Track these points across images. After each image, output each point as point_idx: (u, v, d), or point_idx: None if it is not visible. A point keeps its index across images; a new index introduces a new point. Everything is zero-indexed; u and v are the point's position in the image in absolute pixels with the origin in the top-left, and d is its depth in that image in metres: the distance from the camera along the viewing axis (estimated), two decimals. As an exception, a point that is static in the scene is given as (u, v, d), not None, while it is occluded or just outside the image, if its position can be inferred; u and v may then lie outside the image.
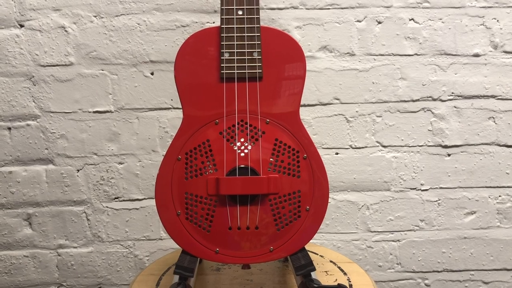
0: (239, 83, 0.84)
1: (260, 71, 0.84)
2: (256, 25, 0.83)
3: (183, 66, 0.85)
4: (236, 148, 0.85)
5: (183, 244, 0.86)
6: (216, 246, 0.86)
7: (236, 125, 0.86)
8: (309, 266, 0.84)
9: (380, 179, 1.32)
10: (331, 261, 1.06)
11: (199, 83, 0.85)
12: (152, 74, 1.27)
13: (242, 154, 0.85)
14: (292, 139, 0.86)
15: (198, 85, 0.85)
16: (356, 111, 1.30)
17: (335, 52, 1.28)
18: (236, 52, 0.85)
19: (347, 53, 1.28)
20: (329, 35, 1.27)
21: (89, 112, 1.28)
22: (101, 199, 1.31)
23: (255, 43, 0.83)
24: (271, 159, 0.85)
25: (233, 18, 0.84)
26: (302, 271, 0.84)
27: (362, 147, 1.32)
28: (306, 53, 1.27)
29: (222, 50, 0.84)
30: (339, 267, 1.02)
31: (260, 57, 0.84)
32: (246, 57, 0.84)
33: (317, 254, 1.11)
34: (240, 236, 0.85)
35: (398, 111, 1.30)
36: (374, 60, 1.28)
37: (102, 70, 1.27)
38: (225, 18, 0.84)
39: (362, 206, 1.34)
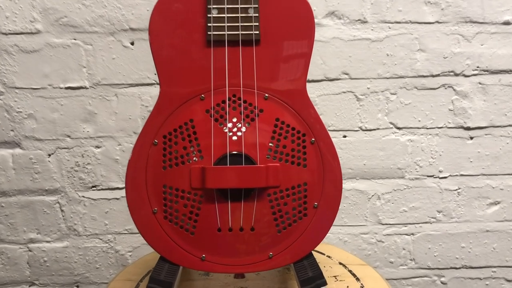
0: (231, 48, 0.66)
1: (257, 32, 0.65)
2: (251, -26, 0.64)
3: (160, 27, 0.67)
4: (226, 130, 0.67)
5: (161, 249, 0.69)
6: (202, 251, 0.68)
7: (227, 102, 0.68)
8: (319, 279, 0.66)
9: (393, 165, 1.18)
10: (340, 263, 0.89)
11: (180, 48, 0.67)
12: (132, 44, 1.11)
13: (235, 138, 0.68)
14: (297, 119, 0.68)
15: (178, 51, 0.67)
16: (368, 88, 1.14)
17: (344, 18, 1.11)
18: (227, 8, 0.66)
19: (358, 20, 1.11)
20: (337, 0, 1.10)
21: (61, 88, 1.12)
22: (76, 188, 1.16)
23: (250, -3, 0.65)
24: (270, 144, 0.67)
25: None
26: (310, 285, 0.66)
27: (374, 129, 1.17)
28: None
29: (209, 6, 0.66)
30: (350, 271, 0.85)
31: (257, 14, 0.65)
32: (240, 15, 0.66)
33: (324, 254, 0.93)
34: (232, 239, 0.68)
35: (415, 87, 1.15)
36: (389, 28, 1.12)
37: (75, 39, 1.11)
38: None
39: (373, 195, 1.20)
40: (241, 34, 0.67)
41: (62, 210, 1.18)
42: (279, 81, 0.68)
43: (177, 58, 0.67)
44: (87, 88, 1.13)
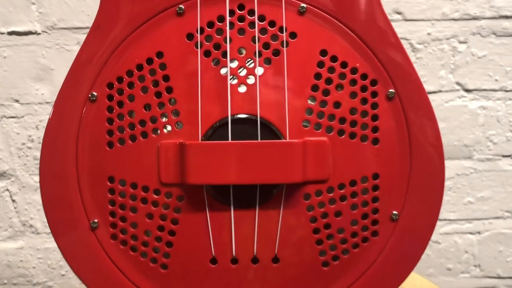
0: None
1: None
2: None
3: None
4: (227, 73, 0.34)
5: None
6: (183, 301, 0.36)
7: (227, 18, 0.34)
8: None
9: (458, 141, 0.92)
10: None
11: None
12: None
13: (242, 89, 0.35)
14: (363, 54, 0.34)
15: None
16: (428, 34, 0.87)
17: None
18: None
19: None
20: None
21: (2, 33, 0.85)
22: (30, 171, 0.91)
23: None
24: (310, 102, 0.35)
25: None
26: None
27: (434, 92, 0.89)
28: None
29: None
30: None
31: None
32: None
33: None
34: (238, 278, 0.36)
35: (494, 33, 0.88)
36: None
37: (17, -38, 0.81)
38: None
39: None
40: None
41: (13, 200, 0.94)
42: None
43: None
44: (39, 34, 0.86)
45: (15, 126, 0.89)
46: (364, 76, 0.36)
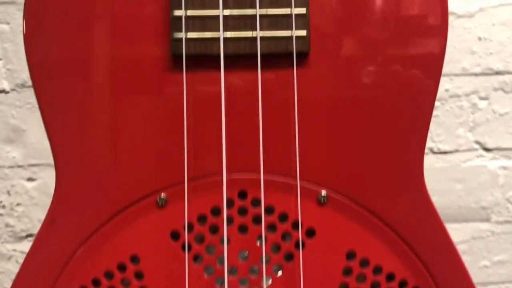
0: (234, 73, 0.24)
1: (305, 35, 0.22)
2: None
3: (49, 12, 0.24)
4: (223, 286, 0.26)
5: None
6: None
7: (225, 210, 0.26)
8: None
9: (475, 203, 0.86)
10: None
11: (102, 70, 0.24)
12: None
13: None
14: (402, 254, 0.26)
15: (98, 80, 0.24)
16: (446, 90, 0.81)
17: None
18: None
19: None
20: None
21: None
22: (3, 238, 0.83)
23: None
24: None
25: None
26: None
27: (451, 152, 0.84)
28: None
29: None
30: None
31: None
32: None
33: None
34: None
35: None
36: None
37: (-20, 14, 0.75)
38: None
39: None
40: (262, 40, 0.23)
41: (-15, 269, 0.84)
42: (357, 158, 0.26)
43: (96, 99, 0.25)
44: (7, 92, 0.78)
45: (-16, 191, 0.82)
46: (403, 284, 0.28)
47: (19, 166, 0.81)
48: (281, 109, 0.26)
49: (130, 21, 0.25)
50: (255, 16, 0.24)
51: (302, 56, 0.25)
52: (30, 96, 0.78)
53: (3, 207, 0.83)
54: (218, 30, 0.24)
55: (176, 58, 0.25)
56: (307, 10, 0.24)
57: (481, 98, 0.82)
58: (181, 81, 0.25)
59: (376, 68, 0.27)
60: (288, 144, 0.26)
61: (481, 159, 0.85)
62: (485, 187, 0.86)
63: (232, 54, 0.25)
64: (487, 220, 0.87)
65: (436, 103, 0.81)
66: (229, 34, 0.25)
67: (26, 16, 0.27)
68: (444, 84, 0.80)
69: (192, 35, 0.25)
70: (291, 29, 0.25)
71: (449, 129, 0.83)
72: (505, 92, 0.82)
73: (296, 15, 0.25)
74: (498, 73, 0.81)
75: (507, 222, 0.87)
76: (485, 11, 0.78)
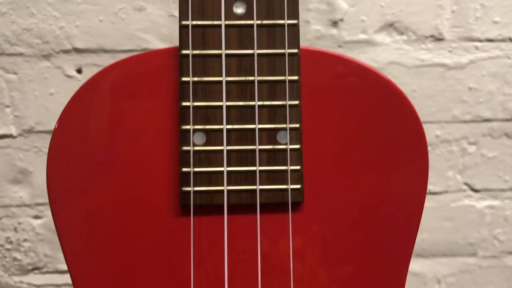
0: (236, 217, 0.27)
1: (300, 187, 0.25)
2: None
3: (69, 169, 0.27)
4: None
5: None
6: None
7: None
8: None
9: (463, 239, 0.88)
10: None
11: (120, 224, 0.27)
12: (79, 71, 0.78)
13: None
14: None
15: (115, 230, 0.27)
16: (437, 136, 0.83)
17: (408, 33, 0.79)
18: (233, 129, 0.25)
19: (431, 36, 0.79)
20: (400, 4, 0.75)
21: None
22: (10, 271, 0.85)
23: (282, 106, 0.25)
24: None
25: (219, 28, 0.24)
26: None
27: (441, 192, 0.86)
28: (358, 35, 0.78)
29: (183, 126, 0.25)
30: None
31: (299, 145, 0.25)
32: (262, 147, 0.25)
33: None
34: None
35: (506, 135, 0.84)
36: (477, 49, 0.80)
37: (-12, 65, 0.76)
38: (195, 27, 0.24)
39: (431, 278, 0.90)
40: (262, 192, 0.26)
41: (-7, 300, 0.88)
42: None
43: (109, 240, 0.28)
44: (15, 137, 0.80)
45: (-8, 228, 0.84)
46: None
47: (26, 205, 0.83)
48: (279, 252, 0.29)
49: (144, 173, 0.28)
50: (255, 171, 0.27)
51: (297, 205, 0.28)
52: (36, 140, 0.79)
53: (11, 242, 0.84)
54: (222, 184, 0.27)
55: (184, 208, 0.28)
56: (301, 168, 0.27)
57: (470, 143, 0.83)
58: (189, 227, 0.28)
59: (363, 214, 0.30)
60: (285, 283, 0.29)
61: (469, 199, 0.86)
62: (473, 225, 0.87)
63: (235, 204, 0.28)
64: (474, 255, 0.89)
65: (428, 148, 0.83)
66: (232, 187, 0.28)
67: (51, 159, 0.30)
68: (435, 130, 0.81)
69: (198, 188, 0.28)
70: (287, 183, 0.28)
71: (439, 172, 0.84)
72: (493, 137, 0.83)
73: (291, 170, 0.27)
74: (486, 120, 0.82)
75: (493, 257, 0.89)
76: (476, 63, 0.79)
